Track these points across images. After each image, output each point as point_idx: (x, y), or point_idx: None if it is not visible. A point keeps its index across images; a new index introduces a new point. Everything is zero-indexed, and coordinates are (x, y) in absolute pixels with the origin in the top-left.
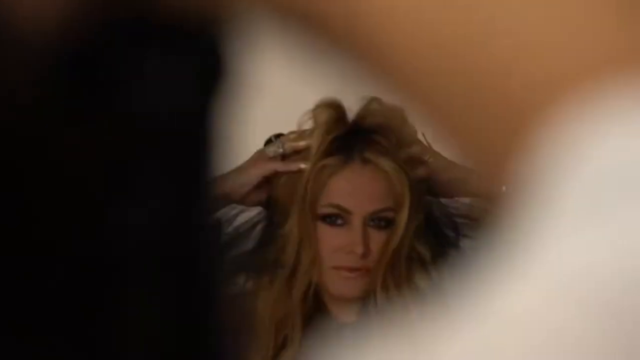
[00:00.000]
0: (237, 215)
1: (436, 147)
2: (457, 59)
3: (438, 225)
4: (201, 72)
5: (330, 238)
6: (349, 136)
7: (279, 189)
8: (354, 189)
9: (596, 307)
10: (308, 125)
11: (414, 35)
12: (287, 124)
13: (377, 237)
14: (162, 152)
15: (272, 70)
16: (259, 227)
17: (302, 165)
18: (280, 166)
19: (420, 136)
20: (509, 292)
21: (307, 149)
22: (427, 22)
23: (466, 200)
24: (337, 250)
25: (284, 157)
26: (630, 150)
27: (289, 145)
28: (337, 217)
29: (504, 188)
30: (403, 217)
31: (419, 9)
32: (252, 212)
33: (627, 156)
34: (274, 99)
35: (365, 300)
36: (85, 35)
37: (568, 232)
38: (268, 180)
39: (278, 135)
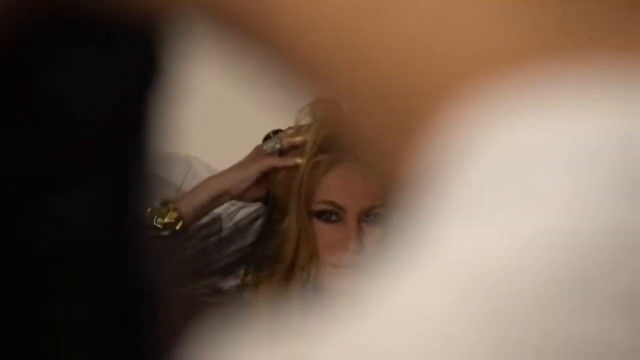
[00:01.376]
0: (237, 211)
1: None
2: (361, 59)
3: None
4: (135, 69)
5: (325, 235)
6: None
7: (278, 185)
8: (347, 185)
9: (480, 295)
10: (306, 121)
11: (323, 33)
12: (221, 124)
13: (372, 234)
14: (94, 150)
15: (206, 70)
16: (259, 223)
17: (299, 160)
18: (277, 162)
19: None
20: (397, 281)
21: (304, 144)
22: (335, 24)
23: None
24: (333, 246)
25: (281, 153)
26: (518, 144)
27: (287, 142)
28: (331, 214)
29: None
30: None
31: (323, 11)
32: (252, 209)
33: (516, 150)
34: (207, 98)
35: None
36: (16, 32)
37: (457, 223)
38: (267, 177)
39: (276, 132)
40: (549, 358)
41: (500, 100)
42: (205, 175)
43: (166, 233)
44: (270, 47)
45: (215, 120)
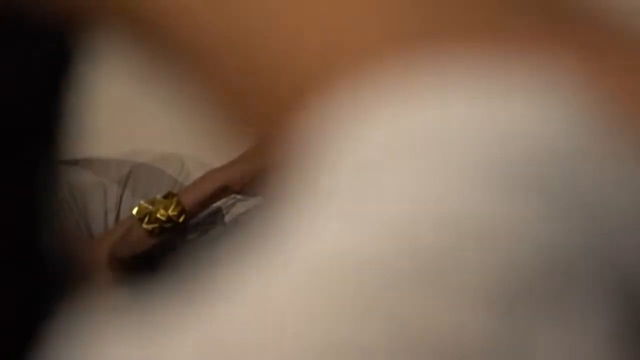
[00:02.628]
0: (236, 204)
1: None
2: (240, 47)
3: None
4: (45, 68)
5: None
6: None
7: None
8: None
9: (356, 288)
10: None
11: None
12: (129, 125)
13: None
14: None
15: (115, 71)
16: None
17: None
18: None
19: None
20: (270, 273)
21: None
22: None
23: None
24: None
25: None
26: (385, 135)
27: None
28: None
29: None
30: None
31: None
32: (252, 202)
33: (382, 141)
34: (116, 100)
35: None
36: None
37: (319, 213)
38: None
39: None
40: (402, 349)
41: (371, 90)
42: (197, 173)
43: (168, 225)
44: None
45: (121, 121)
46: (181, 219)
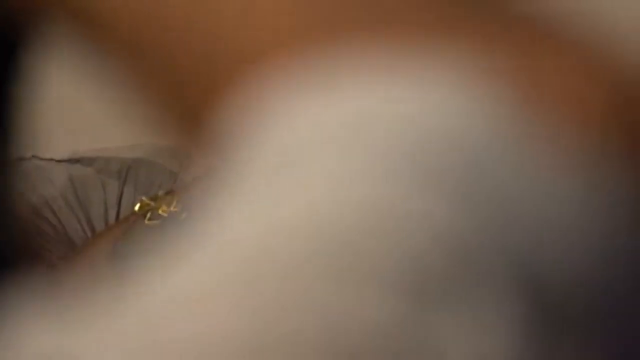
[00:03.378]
0: None
1: None
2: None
3: None
4: None
5: None
6: None
7: None
8: None
9: (262, 278)
10: None
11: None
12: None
13: None
14: None
15: (58, 68)
16: None
17: None
18: None
19: None
20: (190, 265)
21: None
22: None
23: None
24: None
25: None
26: (318, 123)
27: None
28: None
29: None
30: None
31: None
32: None
33: (315, 128)
34: (62, 96)
35: None
36: None
37: (250, 203)
38: None
39: None
40: (309, 338)
41: (293, 77)
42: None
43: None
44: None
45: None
46: (184, 216)
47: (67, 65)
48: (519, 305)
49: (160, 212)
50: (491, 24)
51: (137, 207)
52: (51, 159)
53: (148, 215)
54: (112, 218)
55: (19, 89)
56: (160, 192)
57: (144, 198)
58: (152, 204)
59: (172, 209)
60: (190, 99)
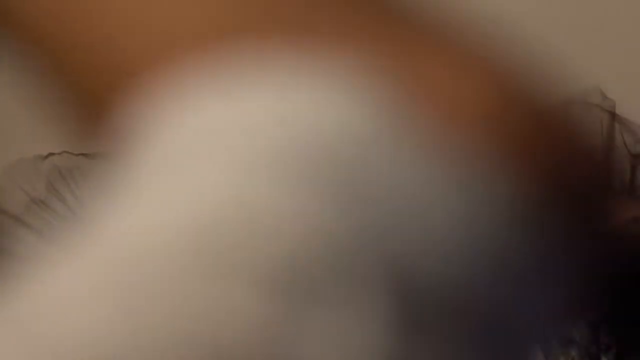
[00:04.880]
0: None
1: None
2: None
3: None
4: None
5: None
6: None
7: None
8: None
9: (168, 266)
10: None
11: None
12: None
13: None
14: None
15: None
16: None
17: None
18: None
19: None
20: (72, 266)
21: None
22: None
23: None
24: None
25: None
26: (198, 122)
27: None
28: None
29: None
30: None
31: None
32: None
33: (193, 128)
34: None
35: None
36: None
37: (143, 194)
38: None
39: None
40: (186, 332)
41: (185, 79)
42: None
43: None
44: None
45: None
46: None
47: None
48: (390, 305)
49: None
50: (376, 23)
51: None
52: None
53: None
54: None
55: None
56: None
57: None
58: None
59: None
60: (91, 98)
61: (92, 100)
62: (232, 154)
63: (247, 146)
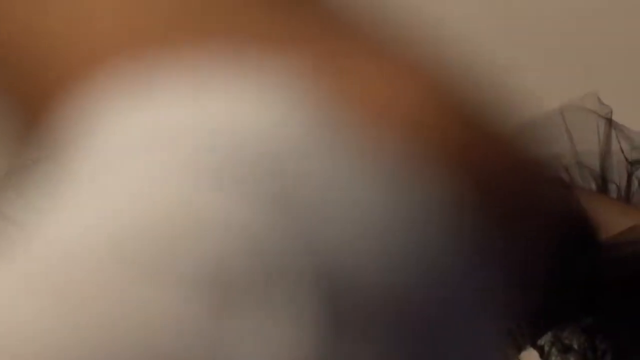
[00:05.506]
0: None
1: None
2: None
3: None
4: None
5: None
6: None
7: None
8: None
9: (94, 269)
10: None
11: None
12: None
13: None
14: None
15: None
16: None
17: None
18: None
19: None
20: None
21: None
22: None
23: None
24: None
25: None
26: (135, 128)
27: None
28: None
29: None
30: None
31: None
32: None
33: (133, 132)
34: None
35: None
36: None
37: (70, 199)
38: None
39: None
40: (113, 333)
41: (125, 83)
42: None
43: None
44: None
45: None
46: None
47: None
48: (319, 307)
49: None
50: (311, 26)
51: None
52: None
53: None
54: None
55: None
56: None
57: None
58: None
59: None
60: (26, 104)
61: (27, 106)
62: (163, 160)
63: (180, 151)
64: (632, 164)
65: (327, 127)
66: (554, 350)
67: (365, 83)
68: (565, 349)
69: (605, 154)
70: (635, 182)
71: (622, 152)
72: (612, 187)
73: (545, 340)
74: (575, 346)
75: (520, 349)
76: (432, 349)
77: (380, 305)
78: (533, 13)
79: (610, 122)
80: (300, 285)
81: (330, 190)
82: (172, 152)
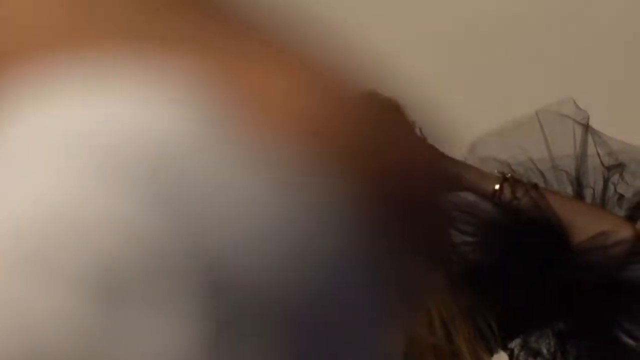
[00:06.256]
0: None
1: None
2: None
3: None
4: None
5: None
6: None
7: None
8: None
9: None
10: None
11: None
12: None
13: None
14: None
15: None
16: None
17: None
18: None
19: (417, 130)
20: None
21: None
22: None
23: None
24: None
25: None
26: (37, 130)
27: None
28: None
29: None
30: None
31: None
32: None
33: (36, 134)
34: None
35: None
36: None
37: None
38: None
39: None
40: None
41: (25, 84)
42: None
43: None
44: None
45: None
46: None
47: None
48: (205, 306)
49: None
50: (202, 29)
51: None
52: None
53: None
54: None
55: None
56: None
57: None
58: None
59: None
60: None
61: None
62: (55, 161)
63: (72, 152)
64: (609, 169)
65: (218, 128)
66: (522, 354)
67: (260, 84)
68: (534, 353)
69: (581, 159)
70: (611, 188)
71: (599, 157)
72: (588, 192)
73: (515, 343)
74: (544, 350)
75: (492, 351)
76: (321, 349)
77: (267, 305)
78: (571, 17)
79: (586, 127)
80: (186, 284)
81: (220, 191)
82: (65, 153)
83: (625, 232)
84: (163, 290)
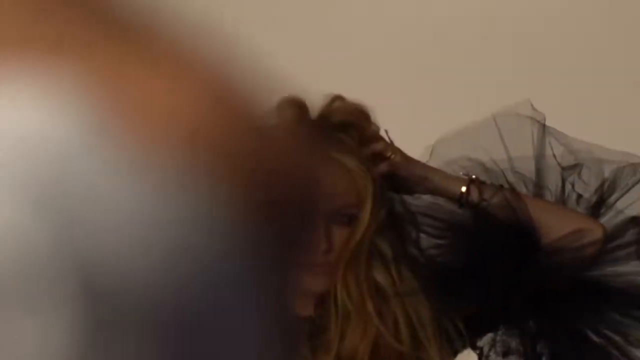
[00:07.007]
0: None
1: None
2: None
3: (400, 222)
4: None
5: None
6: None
7: None
8: None
9: None
10: (272, 122)
11: None
12: None
13: (339, 234)
14: None
15: None
16: None
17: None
18: None
19: (382, 133)
20: None
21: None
22: None
23: (427, 197)
24: None
25: None
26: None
27: None
28: None
29: None
30: (365, 213)
31: None
32: None
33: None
34: None
35: (325, 295)
36: None
37: None
38: None
39: None
40: None
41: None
42: None
43: None
44: None
45: None
46: None
47: None
48: (79, 312)
49: None
50: (88, 34)
51: None
52: None
53: None
54: None
55: None
56: None
57: None
58: None
59: None
60: None
61: None
62: None
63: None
64: (565, 169)
65: (100, 132)
66: (492, 352)
67: (146, 89)
68: (505, 352)
69: (539, 160)
70: (568, 187)
71: (555, 158)
72: (546, 193)
73: (484, 342)
74: (515, 349)
75: (456, 352)
76: (200, 349)
77: (146, 306)
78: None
79: (543, 127)
80: (63, 289)
81: (100, 195)
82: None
83: (598, 232)
84: (38, 294)
